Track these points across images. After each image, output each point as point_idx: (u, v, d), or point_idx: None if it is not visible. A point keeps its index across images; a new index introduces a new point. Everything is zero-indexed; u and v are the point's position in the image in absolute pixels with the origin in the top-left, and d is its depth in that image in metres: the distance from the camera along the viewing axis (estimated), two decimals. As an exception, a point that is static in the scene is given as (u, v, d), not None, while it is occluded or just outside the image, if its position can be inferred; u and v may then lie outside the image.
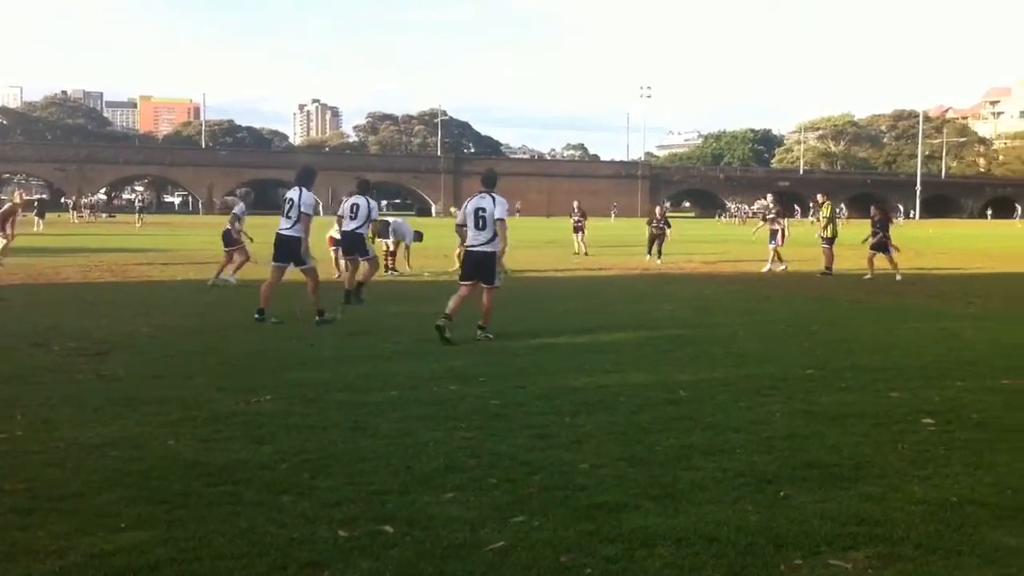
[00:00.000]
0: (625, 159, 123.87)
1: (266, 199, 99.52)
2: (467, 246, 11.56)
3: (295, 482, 5.35)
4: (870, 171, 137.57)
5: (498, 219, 11.05)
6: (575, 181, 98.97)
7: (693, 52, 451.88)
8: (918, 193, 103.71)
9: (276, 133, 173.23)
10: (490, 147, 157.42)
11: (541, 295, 17.09)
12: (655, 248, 26.13)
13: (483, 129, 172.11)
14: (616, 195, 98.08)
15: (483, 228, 11.13)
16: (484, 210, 11.12)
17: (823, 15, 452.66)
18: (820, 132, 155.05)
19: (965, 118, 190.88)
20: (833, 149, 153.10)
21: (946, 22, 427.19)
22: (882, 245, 21.00)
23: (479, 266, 11.23)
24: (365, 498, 5.07)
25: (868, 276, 20.31)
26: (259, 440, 6.30)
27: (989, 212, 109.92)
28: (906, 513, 4.85)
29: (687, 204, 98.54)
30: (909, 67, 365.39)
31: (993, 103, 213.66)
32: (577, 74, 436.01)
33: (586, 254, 28.98)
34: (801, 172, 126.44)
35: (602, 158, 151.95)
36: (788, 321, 13.06)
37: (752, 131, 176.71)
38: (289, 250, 12.49)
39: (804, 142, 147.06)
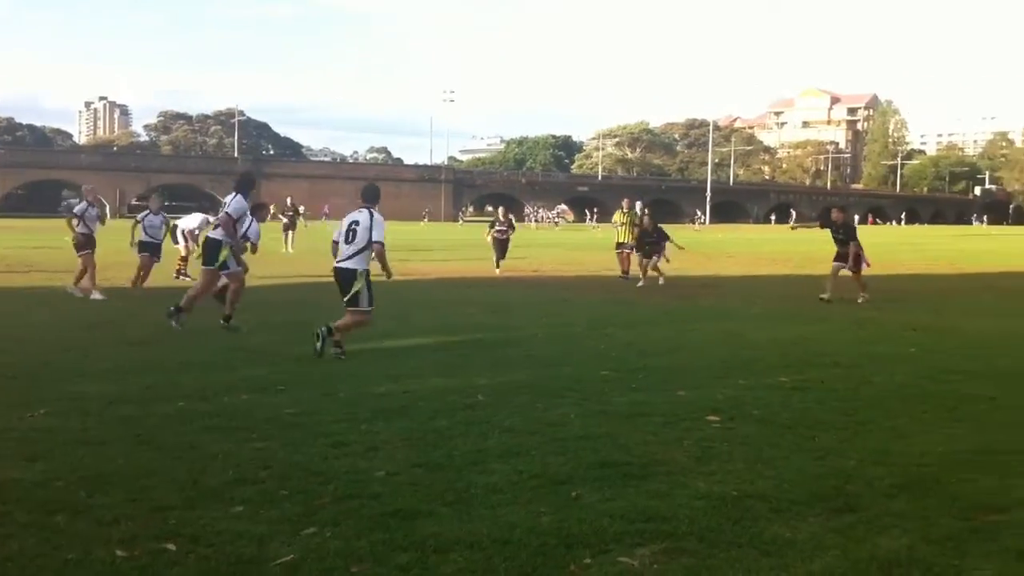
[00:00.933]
0: (429, 163, 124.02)
1: (46, 201, 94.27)
2: (336, 262, 10.40)
3: (70, 501, 5.05)
4: (664, 177, 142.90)
5: (375, 242, 10.12)
6: (379, 185, 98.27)
7: (496, 58, 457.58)
8: (708, 199, 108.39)
9: (59, 132, 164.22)
10: (290, 149, 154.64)
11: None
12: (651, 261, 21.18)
13: (284, 131, 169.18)
14: (420, 199, 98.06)
15: (350, 241, 10.17)
16: (357, 223, 10.19)
17: (621, 25, 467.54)
18: (617, 139, 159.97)
19: (752, 128, 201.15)
20: (630, 156, 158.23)
21: (735, 35, 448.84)
22: (844, 257, 17.56)
23: (341, 283, 10.29)
24: (146, 515, 4.83)
25: (641, 283, 20.46)
26: (32, 457, 5.91)
27: (773, 217, 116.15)
28: (690, 508, 5.01)
29: (490, 208, 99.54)
30: (701, 78, 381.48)
31: (777, 114, 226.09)
32: (383, 77, 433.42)
33: None
34: (600, 178, 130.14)
35: (406, 162, 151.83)
36: (585, 324, 13.34)
37: (553, 137, 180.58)
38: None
39: (602, 148, 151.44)
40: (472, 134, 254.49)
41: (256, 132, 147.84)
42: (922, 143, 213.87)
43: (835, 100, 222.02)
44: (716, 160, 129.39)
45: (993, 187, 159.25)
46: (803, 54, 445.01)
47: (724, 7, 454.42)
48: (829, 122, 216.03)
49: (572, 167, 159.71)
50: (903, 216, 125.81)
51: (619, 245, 22.59)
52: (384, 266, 10.48)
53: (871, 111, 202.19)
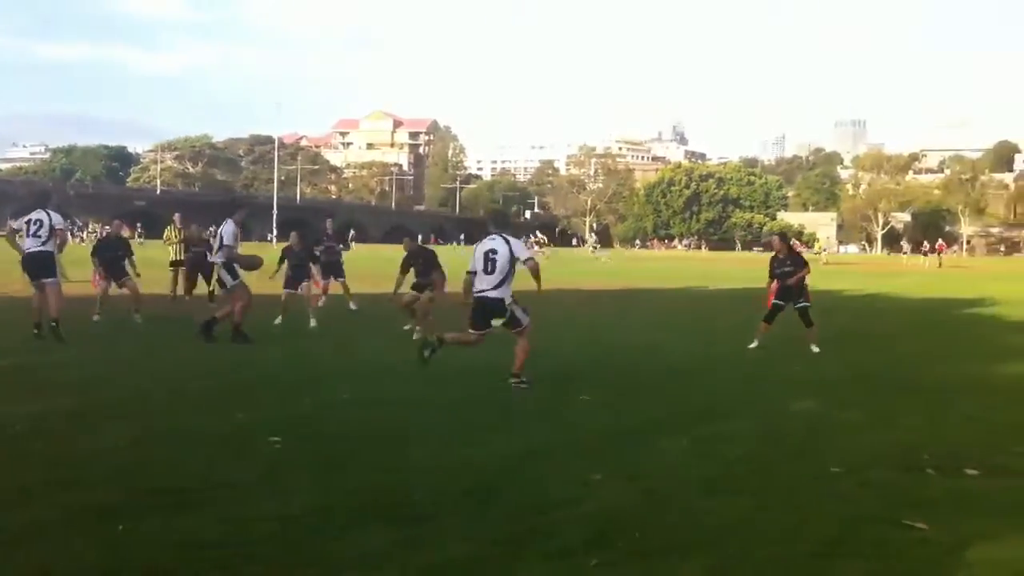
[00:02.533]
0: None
1: None
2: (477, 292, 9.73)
3: None
4: (229, 193, 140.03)
5: (527, 260, 9.81)
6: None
7: (38, 62, 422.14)
8: (275, 216, 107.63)
9: None
10: None
11: None
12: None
13: None
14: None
15: (491, 272, 9.62)
16: (496, 252, 9.65)
17: (183, 38, 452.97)
18: (178, 152, 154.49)
19: (318, 147, 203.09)
20: (192, 170, 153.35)
21: (299, 55, 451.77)
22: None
23: (486, 312, 9.69)
24: None
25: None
26: None
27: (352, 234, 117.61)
28: (256, 532, 4.85)
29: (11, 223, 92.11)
30: (263, 96, 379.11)
31: (343, 134, 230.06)
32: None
33: None
34: (159, 191, 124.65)
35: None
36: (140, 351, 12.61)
37: (106, 147, 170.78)
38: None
39: (161, 162, 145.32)
40: (12, 141, 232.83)
41: None
42: (479, 168, 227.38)
43: (398, 123, 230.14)
44: (282, 178, 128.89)
45: (541, 211, 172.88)
46: (367, 77, 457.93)
47: (289, 28, 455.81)
48: (393, 144, 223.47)
49: (128, 180, 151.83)
50: (462, 237, 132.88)
51: (173, 263, 21.64)
52: (538, 281, 10.04)
53: (431, 135, 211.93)
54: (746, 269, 42.86)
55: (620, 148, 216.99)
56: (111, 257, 16.25)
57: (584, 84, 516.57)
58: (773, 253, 14.01)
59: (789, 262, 13.58)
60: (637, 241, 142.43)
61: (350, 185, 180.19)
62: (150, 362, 11.12)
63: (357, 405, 8.57)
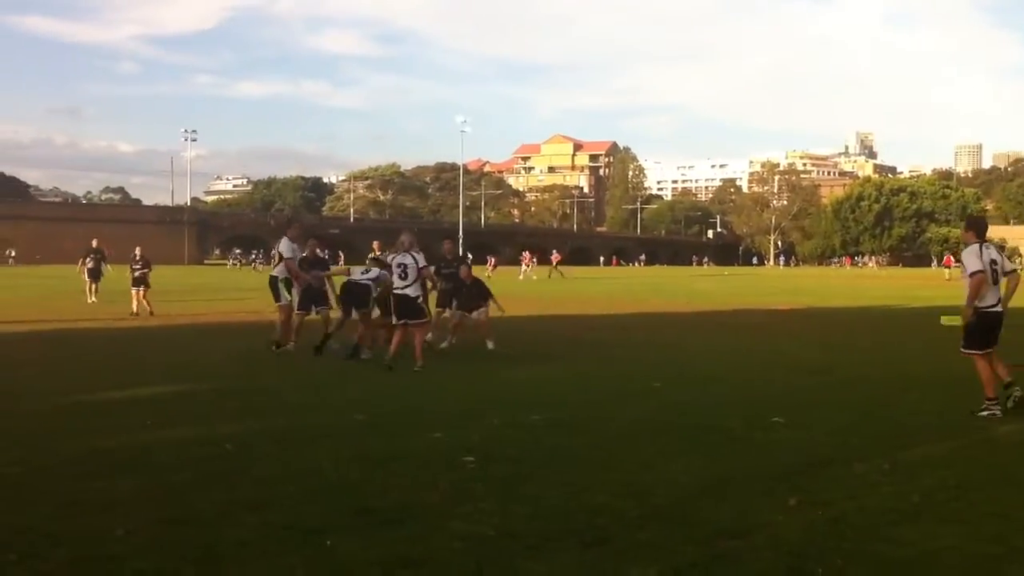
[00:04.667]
0: (171, 204, 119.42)
1: None
2: None
3: None
4: (417, 219, 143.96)
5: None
6: (117, 227, 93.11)
7: (238, 97, 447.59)
8: (461, 240, 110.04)
9: None
10: (15, 190, 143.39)
11: (71, 353, 15.86)
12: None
13: (7, 168, 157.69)
14: (163, 241, 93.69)
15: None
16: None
17: (367, 67, 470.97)
18: (369, 181, 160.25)
19: (501, 172, 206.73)
20: (381, 198, 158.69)
21: (482, 82, 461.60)
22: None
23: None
24: None
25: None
26: None
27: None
28: (448, 551, 4.98)
29: (238, 250, 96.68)
30: (449, 123, 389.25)
31: (524, 159, 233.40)
32: (118, 112, 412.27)
33: (151, 313, 22.47)
34: (352, 220, 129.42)
35: (145, 203, 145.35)
36: (334, 371, 13.08)
37: (303, 179, 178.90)
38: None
39: (354, 191, 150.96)
40: (217, 174, 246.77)
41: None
42: (659, 188, 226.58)
43: (578, 147, 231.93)
44: (467, 203, 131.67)
45: (723, 231, 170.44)
46: (547, 103, 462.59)
47: (468, 54, 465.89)
48: (573, 167, 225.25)
49: (323, 209, 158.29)
50: (643, 257, 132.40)
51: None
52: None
53: (611, 158, 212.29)
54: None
55: (804, 164, 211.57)
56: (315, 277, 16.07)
57: (762, 99, 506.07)
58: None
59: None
60: (833, 259, 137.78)
61: (532, 209, 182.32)
62: (346, 388, 11.53)
63: (551, 427, 8.65)
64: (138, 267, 23.15)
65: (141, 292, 22.93)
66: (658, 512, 5.77)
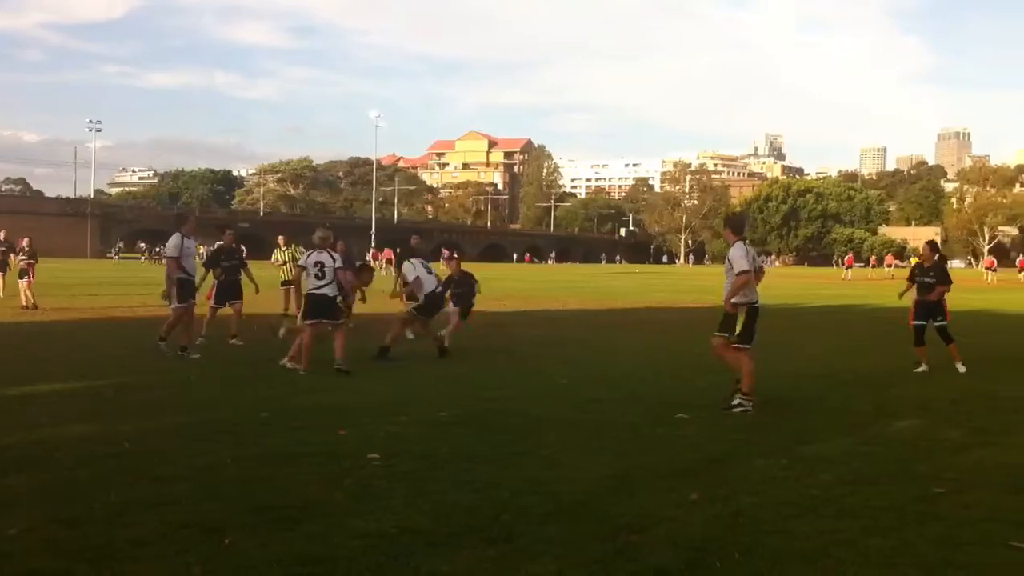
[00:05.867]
0: (73, 196, 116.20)
1: None
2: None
3: None
4: (329, 215, 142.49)
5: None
6: (16, 219, 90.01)
7: (147, 88, 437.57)
8: (373, 236, 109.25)
9: None
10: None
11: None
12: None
13: None
14: (64, 234, 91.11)
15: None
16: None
17: (283, 59, 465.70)
18: (280, 175, 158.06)
19: (415, 168, 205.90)
20: (292, 192, 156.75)
21: (398, 77, 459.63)
22: None
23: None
24: None
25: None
26: None
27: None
28: (348, 549, 4.94)
29: (143, 244, 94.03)
30: (362, 118, 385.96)
31: (439, 155, 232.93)
32: (22, 101, 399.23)
33: (34, 306, 21.84)
34: (262, 214, 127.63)
35: (47, 195, 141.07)
36: (247, 363, 12.89)
37: (212, 171, 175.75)
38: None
39: (264, 184, 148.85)
40: (122, 166, 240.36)
41: None
42: (573, 187, 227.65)
43: (493, 144, 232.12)
44: (380, 199, 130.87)
45: (636, 229, 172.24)
46: (465, 99, 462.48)
47: (385, 49, 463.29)
48: (488, 164, 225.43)
49: (233, 203, 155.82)
50: (553, 255, 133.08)
51: (284, 283, 22.11)
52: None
53: (526, 155, 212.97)
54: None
55: (715, 164, 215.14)
56: (229, 267, 16.06)
57: (678, 100, 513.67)
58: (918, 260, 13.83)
59: (932, 273, 13.27)
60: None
61: (446, 205, 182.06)
62: (258, 383, 11.37)
63: (449, 424, 8.64)
64: (23, 258, 22.85)
65: (26, 283, 22.50)
66: (562, 508, 5.81)
